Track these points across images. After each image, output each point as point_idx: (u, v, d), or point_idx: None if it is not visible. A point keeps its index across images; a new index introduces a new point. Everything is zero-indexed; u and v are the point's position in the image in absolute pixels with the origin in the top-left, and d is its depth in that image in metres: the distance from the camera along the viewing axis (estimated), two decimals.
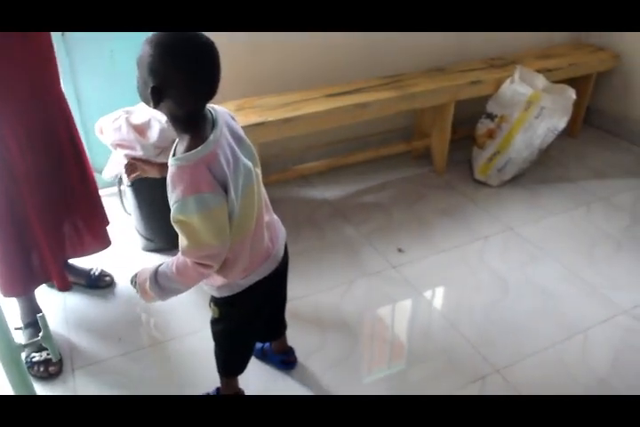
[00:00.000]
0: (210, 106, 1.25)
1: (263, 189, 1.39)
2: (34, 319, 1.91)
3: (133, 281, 1.38)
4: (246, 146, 1.31)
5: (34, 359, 1.82)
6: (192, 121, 1.20)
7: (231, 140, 1.26)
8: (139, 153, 2.03)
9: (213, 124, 1.23)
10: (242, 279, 1.39)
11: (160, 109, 1.20)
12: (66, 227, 1.91)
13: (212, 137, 1.19)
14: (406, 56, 2.88)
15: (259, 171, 1.34)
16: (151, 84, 1.14)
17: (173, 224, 1.20)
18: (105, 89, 2.42)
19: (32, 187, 1.72)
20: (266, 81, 2.62)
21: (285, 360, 1.85)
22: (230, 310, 1.49)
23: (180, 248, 1.25)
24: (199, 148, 1.17)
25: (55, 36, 2.24)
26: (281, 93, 2.56)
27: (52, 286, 2.14)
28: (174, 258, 1.30)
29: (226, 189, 1.19)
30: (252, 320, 1.57)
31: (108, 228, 2.09)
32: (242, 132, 1.33)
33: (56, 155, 1.78)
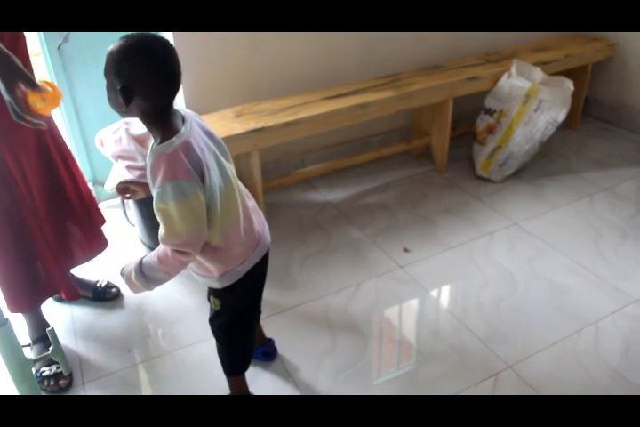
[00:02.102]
0: (177, 108, 1.30)
1: (240, 182, 1.44)
2: (42, 335, 1.91)
3: (122, 273, 1.42)
4: (217, 141, 1.37)
5: (44, 374, 1.82)
6: (163, 116, 1.26)
7: (203, 135, 1.33)
8: (140, 164, 2.04)
9: (183, 120, 1.29)
10: (238, 266, 1.43)
11: (131, 110, 1.24)
12: (67, 233, 1.91)
13: (183, 129, 1.25)
14: (402, 55, 2.88)
15: (232, 166, 1.40)
16: (119, 86, 1.19)
17: (155, 213, 1.25)
18: (103, 101, 2.39)
19: (32, 197, 1.73)
20: (263, 86, 2.62)
21: (266, 352, 1.88)
22: (231, 299, 1.52)
23: (159, 237, 1.29)
24: (173, 138, 1.23)
25: (51, 50, 2.27)
26: (279, 98, 2.56)
27: (59, 299, 2.15)
28: (157, 248, 1.34)
29: (202, 176, 1.24)
30: (250, 307, 1.62)
31: (104, 228, 2.10)
32: (211, 130, 1.38)
33: (48, 161, 1.78)
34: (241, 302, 1.56)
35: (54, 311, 2.12)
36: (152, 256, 1.33)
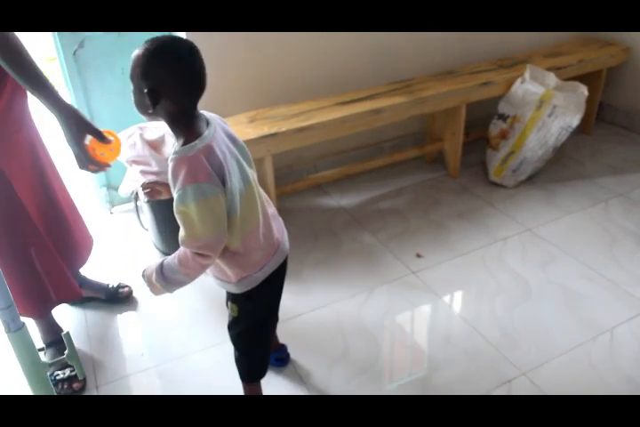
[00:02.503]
0: (202, 112, 1.32)
1: (260, 188, 1.45)
2: (54, 339, 1.92)
3: (143, 275, 1.43)
4: (240, 146, 1.39)
5: (57, 377, 1.83)
6: (188, 118, 1.28)
7: (226, 139, 1.34)
8: (154, 169, 2.05)
9: (207, 123, 1.31)
10: (257, 272, 1.44)
11: (157, 112, 1.26)
12: (62, 232, 1.92)
13: (206, 133, 1.27)
14: (415, 61, 2.88)
15: (254, 172, 1.41)
16: (146, 89, 1.22)
17: (176, 215, 1.26)
18: (118, 106, 2.44)
19: (27, 202, 1.74)
20: (277, 92, 2.63)
21: (279, 357, 1.89)
22: (249, 305, 1.52)
23: (179, 239, 1.30)
24: (196, 141, 1.24)
25: (67, 56, 2.29)
26: (293, 103, 2.57)
27: (73, 303, 2.16)
28: (178, 250, 1.35)
29: (224, 180, 1.25)
30: (268, 314, 1.63)
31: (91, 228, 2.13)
32: (234, 134, 1.40)
33: (39, 163, 1.79)
34: (259, 309, 1.56)
35: (68, 315, 2.13)
36: (173, 258, 1.35)
